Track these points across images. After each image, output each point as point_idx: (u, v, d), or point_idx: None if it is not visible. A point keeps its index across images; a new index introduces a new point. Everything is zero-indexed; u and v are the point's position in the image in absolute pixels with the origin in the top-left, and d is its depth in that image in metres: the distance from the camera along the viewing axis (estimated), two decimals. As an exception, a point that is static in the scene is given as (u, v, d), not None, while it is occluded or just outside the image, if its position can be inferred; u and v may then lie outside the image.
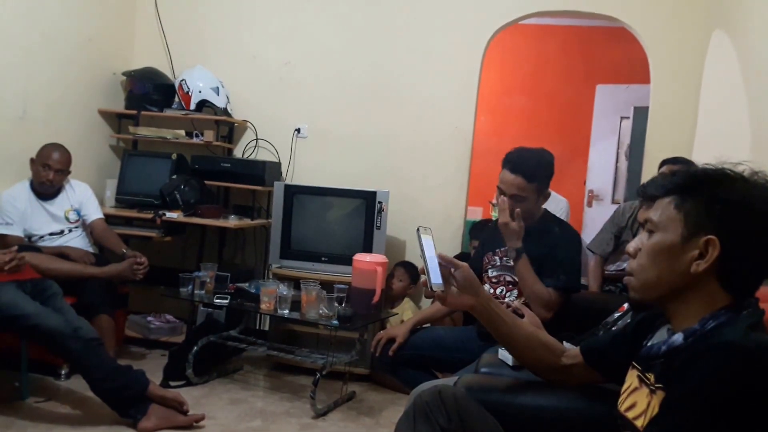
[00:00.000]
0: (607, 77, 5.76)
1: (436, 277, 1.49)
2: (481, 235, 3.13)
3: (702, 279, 1.15)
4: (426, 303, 3.70)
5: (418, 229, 1.54)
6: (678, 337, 1.16)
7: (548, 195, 2.53)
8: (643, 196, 1.33)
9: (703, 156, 3.43)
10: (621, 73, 5.53)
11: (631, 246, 1.26)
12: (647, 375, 1.20)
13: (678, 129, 3.71)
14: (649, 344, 1.26)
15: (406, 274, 3.76)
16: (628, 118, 5.62)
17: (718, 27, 3.51)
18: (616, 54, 5.51)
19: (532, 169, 2.44)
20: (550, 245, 2.46)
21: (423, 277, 1.50)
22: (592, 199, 5.84)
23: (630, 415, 1.21)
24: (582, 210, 5.78)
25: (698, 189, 1.17)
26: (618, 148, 5.82)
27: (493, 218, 3.78)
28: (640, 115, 4.88)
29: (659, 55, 3.77)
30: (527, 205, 2.44)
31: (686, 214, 1.16)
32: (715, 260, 1.13)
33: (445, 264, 1.50)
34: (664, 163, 3.12)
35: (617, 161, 5.85)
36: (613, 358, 1.40)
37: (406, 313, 3.62)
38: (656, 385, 1.15)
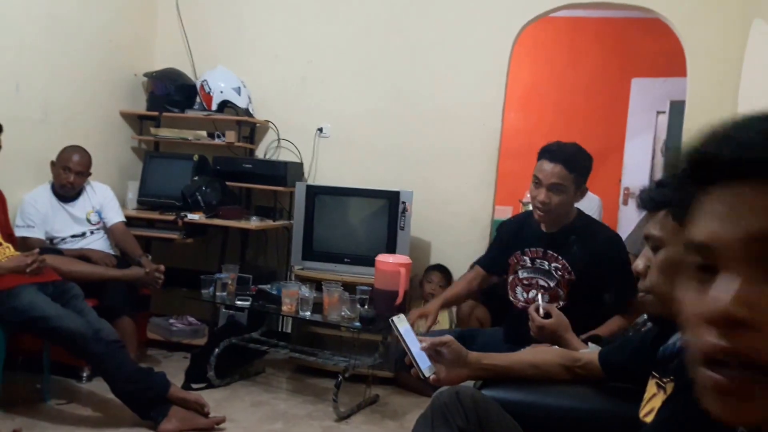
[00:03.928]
0: (642, 70, 5.59)
1: (424, 363, 1.51)
2: (504, 233, 2.79)
3: None
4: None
5: (391, 320, 1.56)
6: None
7: (585, 191, 2.43)
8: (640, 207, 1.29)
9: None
10: (657, 65, 5.36)
11: (640, 265, 1.24)
12: (663, 379, 1.18)
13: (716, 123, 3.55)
14: (662, 348, 1.25)
15: (442, 277, 3.67)
16: (664, 112, 5.46)
17: (758, 16, 3.36)
18: (652, 46, 5.34)
19: (572, 158, 2.35)
20: (597, 252, 2.35)
21: (413, 369, 1.51)
22: (627, 197, 5.69)
23: (647, 419, 1.20)
24: (617, 208, 5.63)
25: None
26: (654, 144, 5.65)
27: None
28: (677, 109, 4.72)
29: (695, 47, 3.62)
30: (565, 198, 2.35)
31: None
32: None
33: (430, 348, 1.52)
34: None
35: (653, 158, 5.67)
36: (634, 371, 1.38)
37: (442, 316, 3.53)
38: (668, 378, 1.14)
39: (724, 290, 0.53)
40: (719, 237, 0.55)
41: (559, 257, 2.37)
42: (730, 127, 0.57)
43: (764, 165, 0.54)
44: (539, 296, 2.40)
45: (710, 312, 0.53)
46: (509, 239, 2.62)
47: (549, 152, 2.38)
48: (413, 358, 1.50)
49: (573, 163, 2.34)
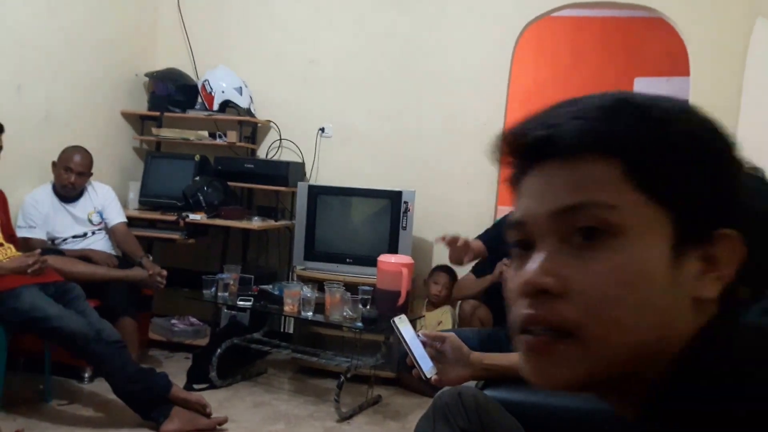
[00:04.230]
0: (645, 70, 5.57)
1: (426, 363, 1.50)
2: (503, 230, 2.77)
3: None
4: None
5: (393, 321, 1.56)
6: None
7: None
8: None
9: (746, 150, 3.25)
10: (660, 65, 5.35)
11: None
12: None
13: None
14: None
15: (448, 278, 3.65)
16: (667, 112, 5.43)
17: (761, 15, 3.34)
18: (655, 45, 5.33)
19: None
20: None
21: (414, 370, 1.50)
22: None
23: None
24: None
25: None
26: (658, 144, 5.63)
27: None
28: (680, 108, 4.70)
29: (698, 46, 3.60)
30: None
31: None
32: None
33: (430, 343, 1.52)
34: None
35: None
36: None
37: (445, 316, 3.52)
38: None
39: (534, 263, 0.56)
40: (532, 213, 0.58)
41: None
42: (544, 110, 0.61)
43: (566, 143, 0.56)
44: None
45: (521, 284, 0.56)
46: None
47: None
48: (415, 358, 1.50)
49: None
